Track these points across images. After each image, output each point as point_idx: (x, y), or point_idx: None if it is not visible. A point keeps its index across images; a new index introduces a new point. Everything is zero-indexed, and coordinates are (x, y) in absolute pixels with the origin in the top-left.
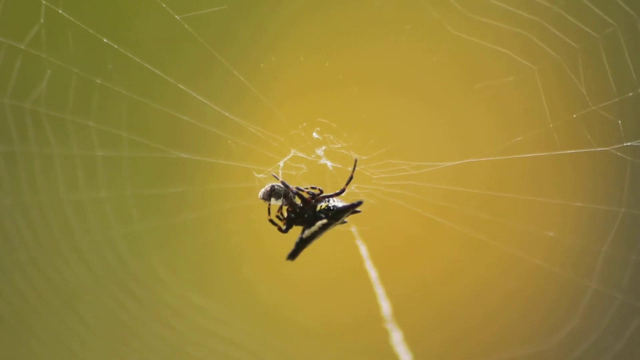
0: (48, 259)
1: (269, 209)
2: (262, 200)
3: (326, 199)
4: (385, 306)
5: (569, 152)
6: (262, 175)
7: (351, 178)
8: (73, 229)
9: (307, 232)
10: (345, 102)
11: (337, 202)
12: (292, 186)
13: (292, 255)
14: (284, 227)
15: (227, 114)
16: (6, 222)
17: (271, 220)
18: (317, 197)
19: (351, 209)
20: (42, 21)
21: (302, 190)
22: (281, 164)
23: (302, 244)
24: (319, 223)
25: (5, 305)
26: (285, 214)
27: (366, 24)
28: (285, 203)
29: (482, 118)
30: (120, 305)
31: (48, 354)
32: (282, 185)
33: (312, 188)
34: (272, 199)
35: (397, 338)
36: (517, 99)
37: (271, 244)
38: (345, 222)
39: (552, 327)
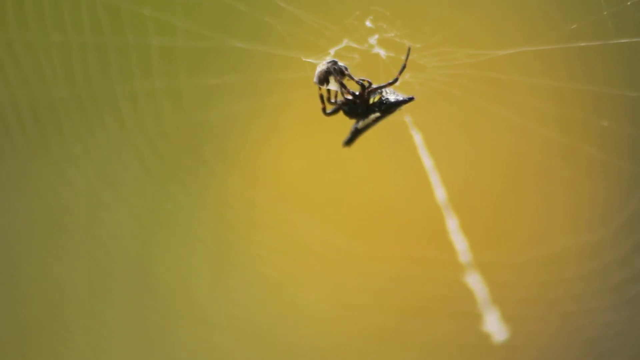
0: (101, 152)
1: (319, 86)
2: (316, 80)
3: (379, 91)
4: (441, 192)
5: (623, 41)
6: (310, 59)
7: (404, 67)
8: (126, 122)
9: (362, 124)
10: None
11: (390, 95)
12: (347, 72)
13: (349, 142)
14: (328, 110)
15: (281, 4)
16: (61, 116)
17: (321, 96)
18: (368, 89)
19: (403, 104)
20: None
21: (352, 78)
22: (332, 51)
23: (357, 132)
24: (373, 116)
25: (55, 196)
26: (337, 101)
27: None
28: (338, 82)
29: (536, 3)
30: (172, 199)
31: (88, 248)
32: (339, 65)
33: (362, 80)
34: (331, 79)
35: (452, 225)
36: None
37: (327, 132)
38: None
39: (608, 215)
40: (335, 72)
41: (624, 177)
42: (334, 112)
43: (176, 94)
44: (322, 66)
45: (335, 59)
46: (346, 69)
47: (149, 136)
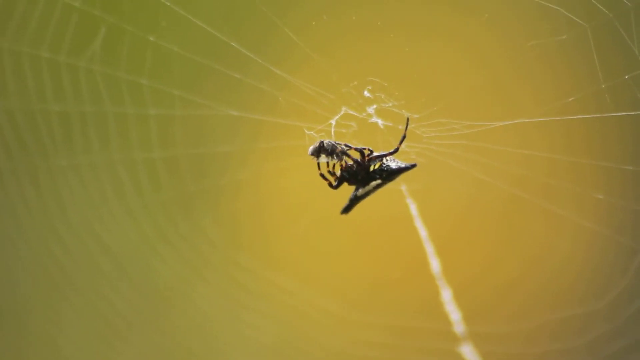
0: (100, 220)
1: (318, 164)
2: (311, 157)
3: (379, 159)
4: (435, 264)
5: (620, 114)
6: (311, 132)
7: (404, 137)
8: (125, 191)
9: (362, 191)
10: (396, 60)
11: (391, 162)
12: (342, 142)
13: (346, 210)
14: (334, 183)
15: (278, 71)
16: (60, 183)
17: (322, 175)
18: (369, 157)
19: (405, 170)
20: None
21: (351, 148)
22: (333, 121)
23: (356, 200)
24: (373, 183)
25: (55, 264)
26: (338, 172)
27: None
28: (333, 159)
29: (533, 77)
30: (169, 268)
31: (91, 314)
32: (330, 142)
33: (363, 149)
34: (322, 156)
35: (446, 296)
36: (569, 58)
37: (324, 200)
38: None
39: (601, 288)
40: (326, 151)
41: (621, 250)
42: (340, 183)
43: (174, 163)
44: (314, 145)
45: (323, 140)
46: (337, 144)
47: (148, 206)
